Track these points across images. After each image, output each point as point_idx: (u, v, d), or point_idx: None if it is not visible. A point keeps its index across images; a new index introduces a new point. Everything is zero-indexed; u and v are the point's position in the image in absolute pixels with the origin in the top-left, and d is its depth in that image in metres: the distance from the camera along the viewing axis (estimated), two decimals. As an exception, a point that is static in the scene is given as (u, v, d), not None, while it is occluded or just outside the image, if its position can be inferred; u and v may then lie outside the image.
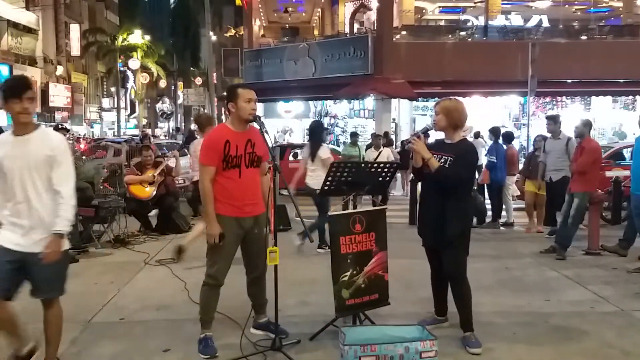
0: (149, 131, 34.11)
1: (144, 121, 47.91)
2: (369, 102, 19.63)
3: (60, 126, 10.68)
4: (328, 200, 6.73)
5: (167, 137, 37.67)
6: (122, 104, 40.75)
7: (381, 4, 18.68)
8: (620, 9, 23.78)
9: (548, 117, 8.01)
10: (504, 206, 9.19)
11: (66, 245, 3.33)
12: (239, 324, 4.15)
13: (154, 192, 8.09)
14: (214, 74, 29.65)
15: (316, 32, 29.43)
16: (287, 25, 30.25)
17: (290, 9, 28.36)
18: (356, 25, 22.51)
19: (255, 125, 3.89)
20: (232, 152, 3.76)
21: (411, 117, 19.90)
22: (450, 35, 20.09)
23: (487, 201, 9.43)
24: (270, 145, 3.85)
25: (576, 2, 24.98)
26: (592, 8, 24.54)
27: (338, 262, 4.00)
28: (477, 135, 14.35)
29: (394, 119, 19.21)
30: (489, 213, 9.25)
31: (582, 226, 7.15)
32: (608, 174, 9.41)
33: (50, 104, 29.34)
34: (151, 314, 4.69)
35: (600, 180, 7.68)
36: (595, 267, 6.30)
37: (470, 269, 4.02)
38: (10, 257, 3.20)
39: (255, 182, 3.91)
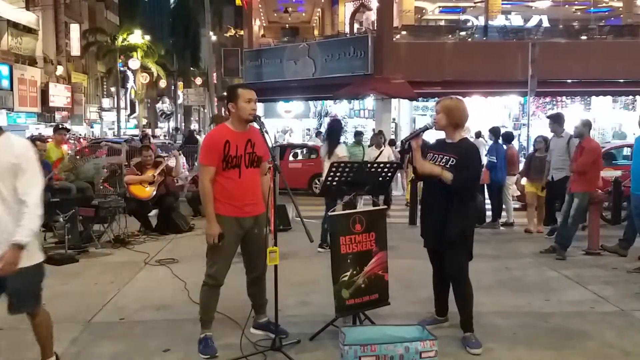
0: (149, 131, 34.14)
1: (144, 121, 47.93)
2: (369, 102, 19.63)
3: (60, 126, 10.65)
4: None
5: (167, 137, 37.70)
6: (122, 104, 40.75)
7: (381, 4, 18.68)
8: (620, 9, 23.79)
9: (548, 117, 8.02)
10: (504, 206, 9.19)
11: (36, 258, 3.14)
12: (239, 324, 4.14)
13: (154, 192, 8.09)
14: (214, 74, 29.70)
15: (316, 32, 29.44)
16: (287, 25, 30.27)
17: (290, 9, 28.37)
18: (356, 25, 22.52)
19: (255, 125, 3.89)
20: (232, 152, 3.76)
21: (411, 117, 19.91)
22: (450, 35, 20.09)
23: (487, 201, 9.42)
24: (270, 145, 3.84)
25: (576, 2, 24.99)
26: (592, 8, 24.56)
27: (338, 262, 3.99)
28: (477, 134, 14.35)
29: (394, 119, 19.22)
30: (489, 213, 9.24)
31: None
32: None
33: (50, 104, 29.36)
34: (151, 314, 4.69)
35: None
36: (595, 267, 6.30)
37: (471, 269, 4.02)
38: None
39: (255, 182, 3.91)
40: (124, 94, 41.95)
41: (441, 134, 4.09)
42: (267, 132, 3.81)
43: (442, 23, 25.65)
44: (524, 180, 8.94)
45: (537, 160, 8.41)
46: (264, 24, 29.97)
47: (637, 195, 6.21)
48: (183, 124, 51.08)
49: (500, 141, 9.17)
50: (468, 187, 3.88)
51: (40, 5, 28.71)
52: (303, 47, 19.99)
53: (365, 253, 4.11)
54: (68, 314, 4.62)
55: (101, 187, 9.94)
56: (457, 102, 3.97)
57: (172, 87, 53.43)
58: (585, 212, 6.87)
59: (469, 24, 22.91)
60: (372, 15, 21.31)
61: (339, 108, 21.30)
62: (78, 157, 11.60)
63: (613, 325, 4.39)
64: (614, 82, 17.32)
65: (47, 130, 24.34)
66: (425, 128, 4.13)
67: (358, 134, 11.80)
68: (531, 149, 10.03)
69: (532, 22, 21.11)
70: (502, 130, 9.74)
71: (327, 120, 21.21)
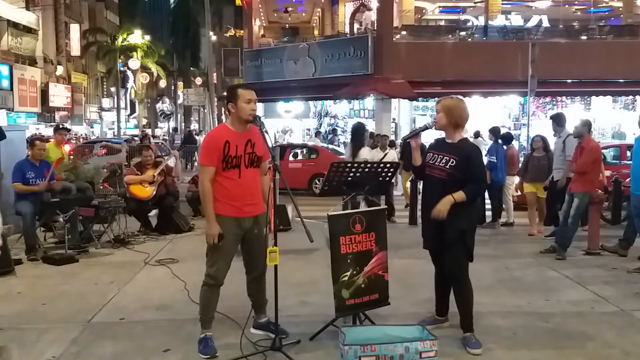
0: (149, 131, 34.14)
1: (144, 121, 47.91)
2: (369, 102, 19.63)
3: (60, 126, 10.65)
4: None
5: (159, 138, 37.60)
6: (122, 104, 40.72)
7: (381, 4, 18.68)
8: (620, 9, 23.80)
9: (551, 117, 7.99)
10: (503, 206, 9.18)
11: None
12: (239, 324, 4.14)
13: (154, 192, 8.09)
14: (214, 74, 29.67)
15: (316, 32, 29.46)
16: (287, 25, 30.31)
17: (290, 9, 28.39)
18: (356, 25, 22.52)
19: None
20: (232, 153, 3.76)
21: (411, 117, 19.90)
22: (450, 35, 20.10)
23: (487, 201, 9.42)
24: (270, 145, 3.85)
25: (576, 2, 25.01)
26: (592, 8, 24.56)
27: (338, 262, 3.99)
28: (476, 134, 14.34)
29: (394, 119, 19.22)
30: (489, 213, 9.24)
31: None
32: None
33: (50, 104, 29.38)
34: (151, 314, 4.69)
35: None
36: (595, 267, 6.29)
37: (471, 269, 4.01)
38: None
39: (255, 182, 3.91)
40: (124, 94, 41.94)
41: (441, 134, 4.09)
42: (267, 132, 3.82)
43: (442, 23, 25.64)
44: (516, 179, 8.91)
45: (535, 160, 8.38)
46: (264, 24, 29.98)
47: (637, 195, 6.21)
48: (183, 124, 51.02)
49: (500, 141, 9.17)
50: (481, 192, 3.90)
51: (40, 5, 28.70)
52: (303, 47, 19.99)
53: (365, 253, 4.11)
54: (68, 314, 4.62)
55: (101, 187, 9.94)
56: (457, 101, 3.97)
57: (172, 87, 53.43)
58: (585, 212, 6.87)
59: (469, 24, 22.91)
60: (372, 15, 21.33)
61: (339, 108, 21.31)
62: (72, 156, 11.59)
63: (613, 325, 4.39)
64: (613, 82, 17.31)
65: (48, 130, 24.35)
66: (425, 127, 4.13)
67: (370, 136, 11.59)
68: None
69: (532, 22, 21.10)
70: (502, 131, 9.73)
71: (327, 120, 21.26)
